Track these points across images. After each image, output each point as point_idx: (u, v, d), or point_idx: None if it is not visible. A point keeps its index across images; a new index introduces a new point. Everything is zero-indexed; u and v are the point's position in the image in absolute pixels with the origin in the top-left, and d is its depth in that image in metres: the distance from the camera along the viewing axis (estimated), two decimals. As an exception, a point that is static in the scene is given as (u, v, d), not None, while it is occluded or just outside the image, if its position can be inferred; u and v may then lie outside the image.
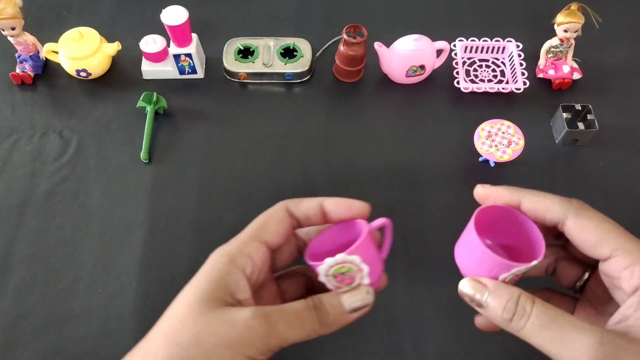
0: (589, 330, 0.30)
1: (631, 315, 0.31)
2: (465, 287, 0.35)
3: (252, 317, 0.33)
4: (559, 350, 0.30)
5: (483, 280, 0.34)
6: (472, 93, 0.83)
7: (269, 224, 0.37)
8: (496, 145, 0.72)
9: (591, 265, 0.38)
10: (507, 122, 0.74)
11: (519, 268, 0.34)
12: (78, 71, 0.81)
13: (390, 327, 0.63)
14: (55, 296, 0.65)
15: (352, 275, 0.36)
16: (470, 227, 0.36)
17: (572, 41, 0.81)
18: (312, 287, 0.42)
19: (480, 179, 0.75)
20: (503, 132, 0.73)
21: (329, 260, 0.36)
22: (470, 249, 0.36)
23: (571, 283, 0.39)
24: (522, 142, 0.72)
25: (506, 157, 0.72)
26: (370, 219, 0.39)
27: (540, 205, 0.35)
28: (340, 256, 0.35)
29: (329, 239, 0.40)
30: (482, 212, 0.37)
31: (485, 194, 0.37)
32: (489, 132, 0.74)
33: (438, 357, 0.61)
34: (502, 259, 0.34)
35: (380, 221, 0.38)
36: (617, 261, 0.32)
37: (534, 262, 0.34)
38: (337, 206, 0.38)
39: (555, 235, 0.38)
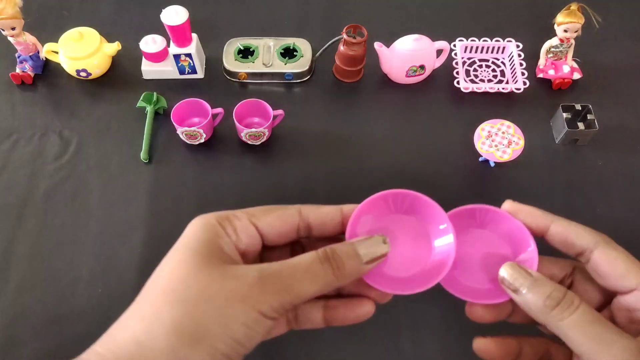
0: (630, 337, 0.31)
1: None
2: (507, 271, 0.34)
3: (260, 273, 0.30)
4: (598, 348, 0.30)
5: (528, 269, 0.34)
6: (472, 93, 0.83)
7: (270, 212, 0.34)
8: (496, 145, 0.72)
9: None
10: (507, 122, 0.74)
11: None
12: (78, 71, 0.81)
13: (390, 327, 0.63)
14: (55, 296, 0.65)
15: None
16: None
17: (572, 41, 0.81)
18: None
19: (480, 179, 0.75)
20: (503, 132, 0.73)
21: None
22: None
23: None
24: (522, 142, 0.72)
25: (506, 157, 0.72)
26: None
27: (572, 231, 0.35)
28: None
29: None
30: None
31: (514, 210, 0.36)
32: (489, 132, 0.74)
33: (438, 357, 0.61)
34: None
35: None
36: None
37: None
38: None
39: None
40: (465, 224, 0.37)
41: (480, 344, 0.36)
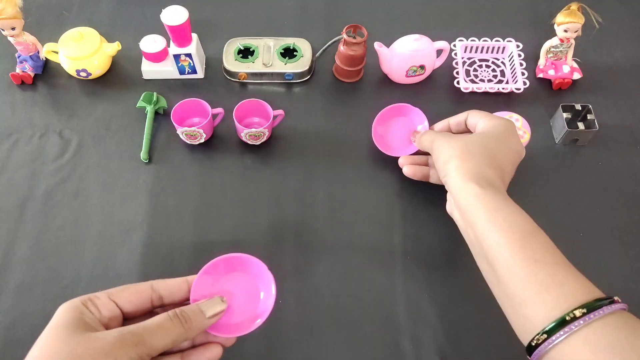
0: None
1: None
2: (414, 135, 0.70)
3: (119, 333, 0.39)
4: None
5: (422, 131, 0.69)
6: (472, 93, 0.83)
7: (127, 290, 0.44)
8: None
9: None
10: (515, 115, 0.74)
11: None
12: (78, 71, 0.81)
13: (389, 325, 0.64)
14: (56, 296, 0.65)
15: None
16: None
17: (572, 41, 0.81)
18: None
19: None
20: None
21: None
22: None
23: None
24: (527, 136, 0.72)
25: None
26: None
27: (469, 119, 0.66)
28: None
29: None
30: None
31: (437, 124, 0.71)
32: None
33: (437, 356, 0.61)
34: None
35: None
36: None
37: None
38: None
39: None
40: (396, 114, 0.74)
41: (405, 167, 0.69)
